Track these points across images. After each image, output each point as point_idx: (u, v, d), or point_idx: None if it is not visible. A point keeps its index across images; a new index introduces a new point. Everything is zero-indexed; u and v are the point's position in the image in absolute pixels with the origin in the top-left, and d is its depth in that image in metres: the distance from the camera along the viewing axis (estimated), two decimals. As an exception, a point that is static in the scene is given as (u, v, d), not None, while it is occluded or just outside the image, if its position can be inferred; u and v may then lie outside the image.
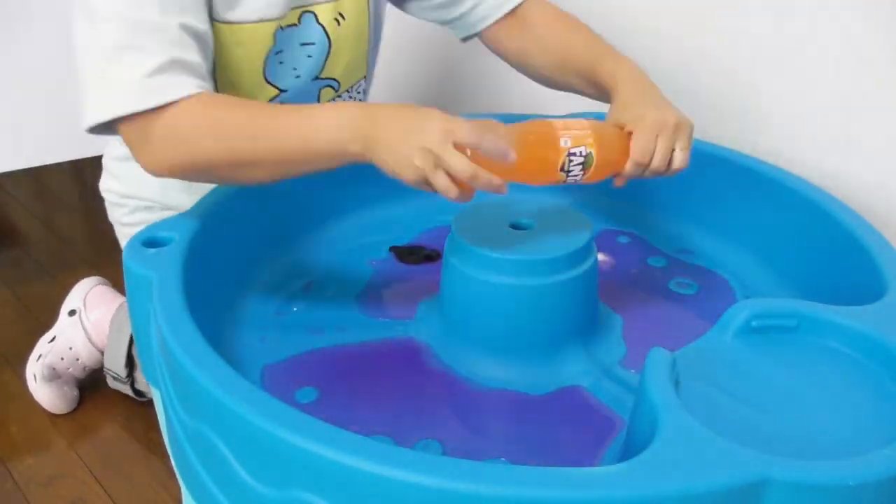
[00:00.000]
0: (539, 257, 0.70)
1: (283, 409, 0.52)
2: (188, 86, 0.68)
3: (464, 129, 0.63)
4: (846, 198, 0.82)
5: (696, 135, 0.99)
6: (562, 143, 0.68)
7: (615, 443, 0.65)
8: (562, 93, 1.16)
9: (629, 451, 0.58)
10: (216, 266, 0.76)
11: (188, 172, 0.71)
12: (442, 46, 1.39)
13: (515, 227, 0.75)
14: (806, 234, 0.82)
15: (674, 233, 0.94)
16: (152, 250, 0.69)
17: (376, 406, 0.69)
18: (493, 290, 0.71)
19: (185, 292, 0.64)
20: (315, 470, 0.50)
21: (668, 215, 0.96)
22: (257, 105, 0.73)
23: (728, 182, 0.90)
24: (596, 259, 0.74)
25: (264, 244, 0.87)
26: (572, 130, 0.69)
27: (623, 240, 0.94)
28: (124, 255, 0.69)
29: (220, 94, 0.74)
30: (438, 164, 0.63)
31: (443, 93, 1.43)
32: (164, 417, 0.68)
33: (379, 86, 1.64)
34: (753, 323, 0.63)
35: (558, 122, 0.70)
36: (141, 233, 0.72)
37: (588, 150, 0.69)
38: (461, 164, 0.63)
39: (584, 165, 0.69)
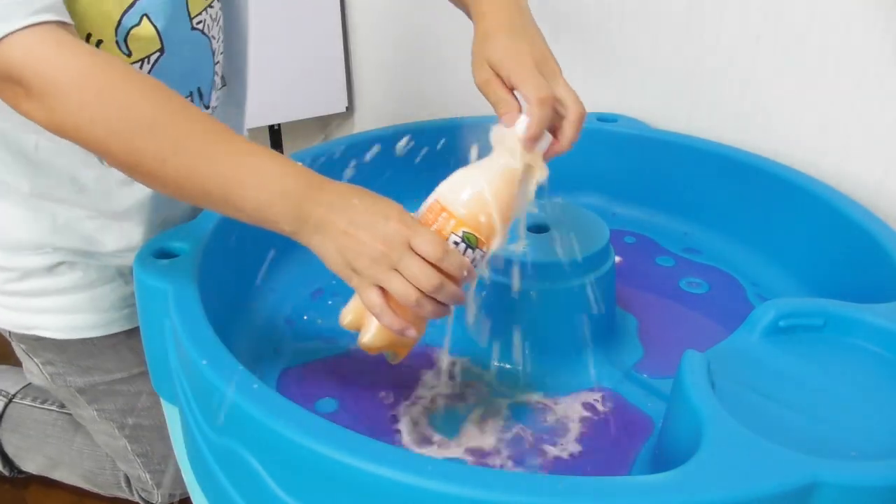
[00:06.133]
0: (562, 260, 0.69)
1: (320, 423, 0.50)
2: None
3: (426, 239, 0.56)
4: (845, 198, 0.83)
5: (696, 134, 1.00)
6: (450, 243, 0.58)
7: (645, 447, 0.64)
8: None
9: (666, 457, 0.58)
10: (225, 276, 0.74)
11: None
12: (438, 50, 1.38)
13: (531, 229, 0.74)
14: (814, 231, 0.82)
15: (679, 232, 0.94)
16: (165, 261, 0.67)
17: (397, 416, 0.68)
18: (516, 294, 0.70)
19: (203, 305, 0.62)
20: (351, 483, 0.49)
21: (673, 214, 0.96)
22: (168, 99, 0.59)
23: (731, 180, 0.91)
24: (614, 260, 0.74)
25: (269, 252, 0.85)
26: (434, 223, 0.59)
27: (630, 240, 0.94)
28: (135, 267, 0.67)
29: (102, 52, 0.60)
30: (395, 266, 0.56)
31: (439, 95, 1.41)
32: (181, 434, 0.66)
33: (375, 91, 1.63)
34: (781, 323, 0.63)
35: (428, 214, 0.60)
36: (151, 243, 0.70)
37: (459, 234, 0.58)
38: (425, 273, 0.55)
39: (471, 245, 0.59)
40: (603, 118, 1.01)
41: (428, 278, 0.55)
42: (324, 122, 1.77)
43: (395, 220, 0.56)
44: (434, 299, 0.57)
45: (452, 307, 0.59)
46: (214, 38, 0.79)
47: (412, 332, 0.58)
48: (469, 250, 0.59)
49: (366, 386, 0.71)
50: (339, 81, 1.61)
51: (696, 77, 1.00)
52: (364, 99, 1.65)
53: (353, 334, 0.77)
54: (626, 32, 1.06)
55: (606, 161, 0.99)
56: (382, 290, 0.57)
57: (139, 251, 0.69)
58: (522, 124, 0.60)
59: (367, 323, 0.61)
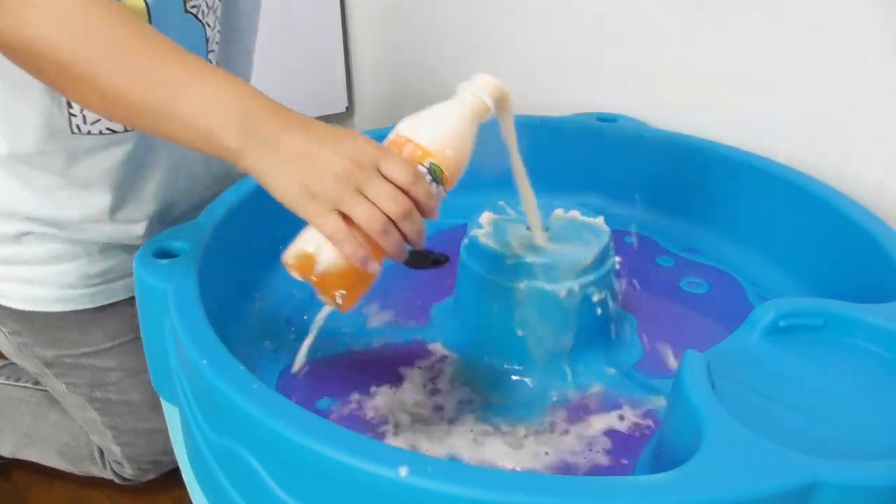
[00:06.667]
0: (563, 260, 0.69)
1: (320, 423, 0.50)
2: None
3: (397, 163, 0.53)
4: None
5: (696, 134, 1.00)
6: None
7: (645, 447, 0.64)
8: (561, 93, 1.16)
9: (666, 457, 0.58)
10: (226, 275, 0.74)
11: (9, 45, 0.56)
12: (438, 50, 1.38)
13: (531, 229, 0.74)
14: (814, 231, 0.82)
15: (680, 232, 0.94)
16: (165, 261, 0.67)
17: (398, 416, 0.68)
18: (516, 294, 0.70)
19: (203, 305, 0.62)
20: (351, 483, 0.49)
21: (673, 214, 0.96)
22: (138, 22, 0.57)
23: (731, 180, 0.91)
24: (614, 260, 0.74)
25: (270, 252, 0.85)
26: (403, 151, 0.57)
27: (630, 240, 0.94)
28: (135, 266, 0.67)
29: None
30: (361, 189, 0.51)
31: (439, 95, 1.41)
32: (181, 435, 0.66)
33: (375, 91, 1.63)
34: (781, 323, 0.63)
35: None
36: (151, 243, 0.70)
37: (426, 165, 0.56)
38: (394, 196, 0.52)
39: (436, 178, 0.57)
40: (603, 118, 1.01)
41: (397, 203, 0.52)
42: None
43: (364, 141, 0.53)
44: (398, 230, 0.53)
45: (406, 248, 0.55)
46: (209, 26, 0.78)
47: (375, 266, 0.54)
48: (434, 184, 0.57)
49: (369, 385, 0.71)
50: (339, 81, 1.61)
51: (696, 77, 1.00)
52: (364, 99, 1.65)
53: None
54: (623, 34, 1.06)
55: (606, 161, 0.99)
56: (343, 217, 0.52)
57: (139, 251, 0.69)
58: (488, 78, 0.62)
59: (321, 257, 0.55)
